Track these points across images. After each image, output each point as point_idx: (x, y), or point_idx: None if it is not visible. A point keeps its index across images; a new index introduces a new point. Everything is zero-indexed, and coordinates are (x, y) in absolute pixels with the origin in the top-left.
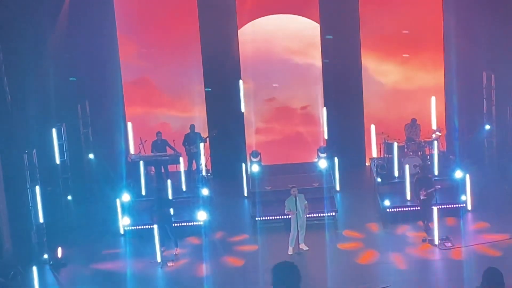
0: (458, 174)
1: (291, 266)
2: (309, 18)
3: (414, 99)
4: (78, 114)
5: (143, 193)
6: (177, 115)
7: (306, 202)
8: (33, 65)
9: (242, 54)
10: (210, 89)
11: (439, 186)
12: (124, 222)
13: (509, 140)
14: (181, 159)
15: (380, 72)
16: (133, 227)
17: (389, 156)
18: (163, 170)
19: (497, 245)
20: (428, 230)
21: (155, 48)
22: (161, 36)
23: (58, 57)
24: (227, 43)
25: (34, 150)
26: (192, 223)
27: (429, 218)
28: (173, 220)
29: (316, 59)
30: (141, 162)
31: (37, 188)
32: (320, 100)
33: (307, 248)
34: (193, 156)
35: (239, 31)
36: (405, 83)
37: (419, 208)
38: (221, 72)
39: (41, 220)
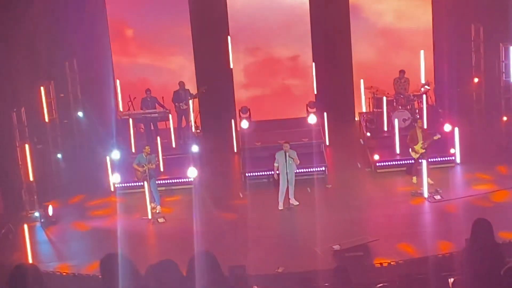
0: (447, 127)
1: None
2: None
3: (402, 52)
4: (66, 71)
5: (133, 150)
6: (163, 70)
7: (295, 156)
8: (20, 23)
9: (230, 9)
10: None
11: (439, 136)
12: (114, 179)
13: (497, 93)
14: (170, 116)
15: (370, 17)
16: (123, 184)
17: (379, 110)
18: (152, 128)
19: (486, 197)
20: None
21: (142, 8)
22: None
23: (46, 14)
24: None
25: (23, 108)
26: (182, 180)
27: (419, 172)
28: (157, 177)
29: (304, 10)
30: (130, 120)
31: (27, 146)
32: (309, 52)
33: (297, 203)
34: (182, 113)
35: None
36: (395, 27)
37: (413, 161)
38: (209, 28)
39: (31, 178)
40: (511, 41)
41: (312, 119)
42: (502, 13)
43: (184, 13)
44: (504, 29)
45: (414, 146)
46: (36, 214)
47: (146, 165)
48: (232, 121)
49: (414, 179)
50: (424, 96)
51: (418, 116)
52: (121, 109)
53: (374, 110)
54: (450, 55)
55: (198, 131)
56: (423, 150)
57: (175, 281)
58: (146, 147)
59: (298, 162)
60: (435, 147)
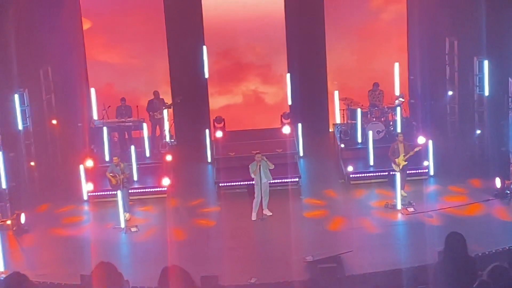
0: (421, 140)
1: None
2: None
3: (377, 67)
4: (41, 79)
5: (107, 159)
6: (138, 79)
7: (272, 165)
8: None
9: (205, 19)
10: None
11: (420, 147)
12: (87, 188)
13: (471, 106)
14: (144, 125)
15: (342, 34)
16: (96, 193)
17: (353, 122)
18: (126, 136)
19: (459, 210)
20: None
21: (117, 16)
22: (124, 3)
23: (19, 21)
24: (190, 8)
25: None
26: (156, 189)
27: (402, 185)
28: (130, 186)
29: (279, 20)
30: (105, 128)
31: (0, 154)
32: (283, 61)
33: (271, 214)
34: (157, 122)
35: None
36: (369, 47)
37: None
38: (185, 37)
39: (3, 186)
40: (485, 55)
41: (286, 129)
42: (476, 27)
43: (159, 21)
44: (478, 43)
45: (396, 159)
46: (8, 222)
47: (118, 175)
48: (206, 130)
49: (403, 192)
50: (398, 108)
51: (392, 128)
52: (95, 117)
53: (348, 121)
54: (425, 68)
55: (172, 140)
56: (405, 163)
57: None
58: (114, 158)
59: (273, 166)
60: (409, 160)
